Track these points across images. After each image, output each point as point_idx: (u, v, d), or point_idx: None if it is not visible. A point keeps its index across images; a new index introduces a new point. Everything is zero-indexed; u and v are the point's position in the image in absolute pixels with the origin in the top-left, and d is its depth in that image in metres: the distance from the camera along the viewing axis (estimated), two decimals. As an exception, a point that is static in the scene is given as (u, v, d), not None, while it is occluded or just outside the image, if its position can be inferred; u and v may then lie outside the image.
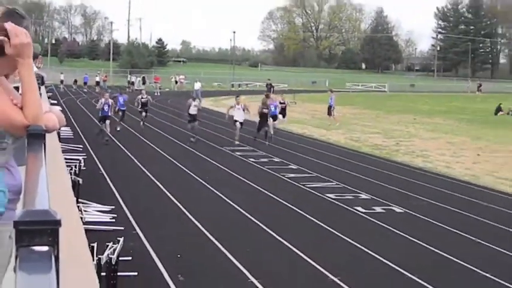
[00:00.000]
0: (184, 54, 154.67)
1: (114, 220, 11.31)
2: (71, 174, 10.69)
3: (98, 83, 66.41)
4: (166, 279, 8.35)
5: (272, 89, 52.89)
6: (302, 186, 15.88)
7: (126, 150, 20.85)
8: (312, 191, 15.31)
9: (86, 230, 5.95)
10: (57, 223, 1.37)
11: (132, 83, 67.88)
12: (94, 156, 19.18)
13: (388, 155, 22.83)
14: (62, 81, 66.59)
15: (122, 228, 10.68)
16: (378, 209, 13.50)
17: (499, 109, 46.87)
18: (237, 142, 23.40)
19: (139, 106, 27.95)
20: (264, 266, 9.19)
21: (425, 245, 10.75)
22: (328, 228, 11.62)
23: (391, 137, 28.92)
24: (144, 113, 27.58)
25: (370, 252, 10.14)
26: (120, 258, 6.81)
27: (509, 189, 16.75)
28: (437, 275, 9.17)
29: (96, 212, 11.69)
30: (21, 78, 2.57)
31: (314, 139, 27.01)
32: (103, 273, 6.23)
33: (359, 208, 13.51)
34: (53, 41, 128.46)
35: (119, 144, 22.19)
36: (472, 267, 9.56)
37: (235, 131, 23.88)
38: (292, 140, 26.02)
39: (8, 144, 2.62)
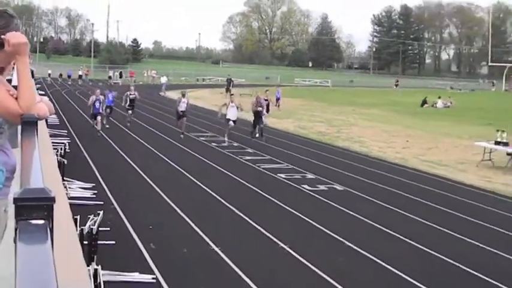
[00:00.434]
0: (156, 52, 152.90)
1: (94, 196, 11.21)
2: (57, 156, 10.54)
3: (80, 76, 66.55)
4: (140, 247, 8.34)
5: (232, 83, 52.56)
6: (257, 167, 15.93)
7: (107, 138, 20.52)
8: (266, 172, 15.38)
9: (70, 204, 5.89)
10: (52, 200, 1.38)
11: (110, 77, 68.37)
12: (77, 141, 18.92)
13: (331, 141, 23.00)
14: (49, 75, 66.51)
15: (102, 202, 10.59)
16: (322, 187, 13.64)
17: (424, 102, 47.41)
18: (226, 139, 20.68)
19: (127, 103, 24.30)
20: (224, 237, 9.23)
21: (360, 216, 10.94)
22: (279, 203, 11.71)
23: (333, 125, 29.09)
24: (130, 111, 24.12)
25: (315, 223, 10.26)
26: (100, 229, 6.76)
27: (431, 170, 17.10)
28: (371, 242, 9.33)
29: (79, 189, 11.57)
30: (18, 73, 2.57)
31: (268, 127, 26.89)
32: (85, 242, 6.20)
33: (306, 186, 13.63)
34: (41, 40, 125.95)
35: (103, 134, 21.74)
36: (397, 234, 9.78)
37: (225, 128, 21.34)
38: (248, 127, 25.79)
39: (4, 129, 2.61)
